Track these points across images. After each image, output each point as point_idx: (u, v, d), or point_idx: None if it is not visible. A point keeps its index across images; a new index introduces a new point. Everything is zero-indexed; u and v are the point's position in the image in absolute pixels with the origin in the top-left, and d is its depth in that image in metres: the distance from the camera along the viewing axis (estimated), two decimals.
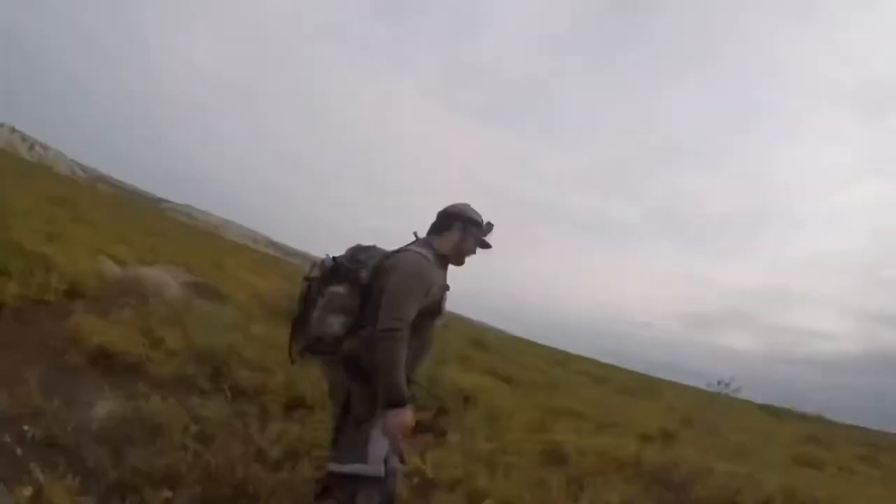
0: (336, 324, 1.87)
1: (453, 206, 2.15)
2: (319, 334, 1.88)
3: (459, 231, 2.11)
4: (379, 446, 1.87)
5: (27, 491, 1.99)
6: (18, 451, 2.28)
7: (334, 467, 1.92)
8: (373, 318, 1.83)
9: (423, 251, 2.00)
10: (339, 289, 1.91)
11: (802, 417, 14.45)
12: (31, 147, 59.23)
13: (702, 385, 13.89)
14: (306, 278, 2.02)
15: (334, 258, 1.98)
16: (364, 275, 1.91)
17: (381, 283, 1.88)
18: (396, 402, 1.77)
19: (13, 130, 57.71)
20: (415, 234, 2.13)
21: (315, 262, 2.05)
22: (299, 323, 1.99)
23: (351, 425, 1.93)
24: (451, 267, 2.12)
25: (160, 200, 59.80)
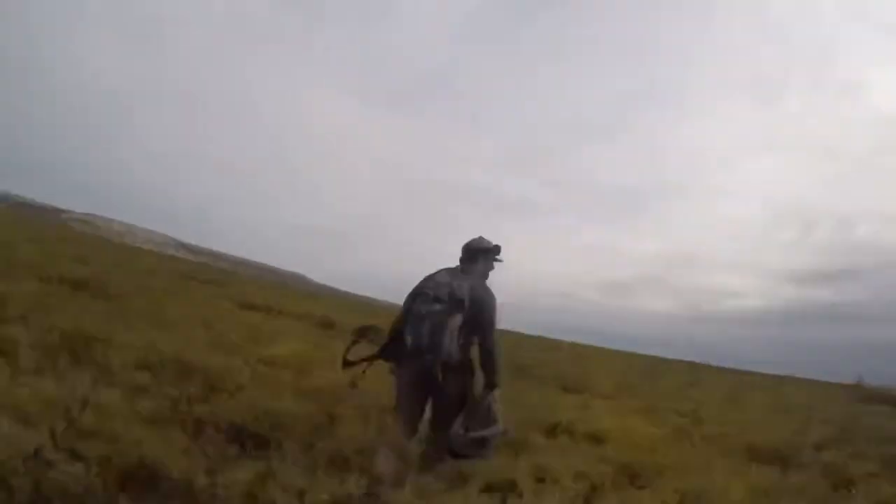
0: (456, 344, 2.73)
1: (476, 242, 3.08)
2: (450, 354, 2.70)
3: (483, 261, 3.06)
4: (499, 410, 2.82)
5: None
6: None
7: (483, 432, 2.76)
8: (469, 334, 2.79)
9: (482, 282, 2.98)
10: (458, 319, 2.74)
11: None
12: None
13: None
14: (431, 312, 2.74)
15: (449, 294, 2.76)
16: (467, 306, 2.77)
17: (477, 310, 2.79)
18: (498, 385, 2.85)
19: None
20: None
21: (437, 297, 2.76)
22: (429, 344, 2.69)
23: (459, 405, 2.79)
24: None
25: (61, 211, 60.81)
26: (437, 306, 2.76)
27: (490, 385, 2.85)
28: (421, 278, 2.95)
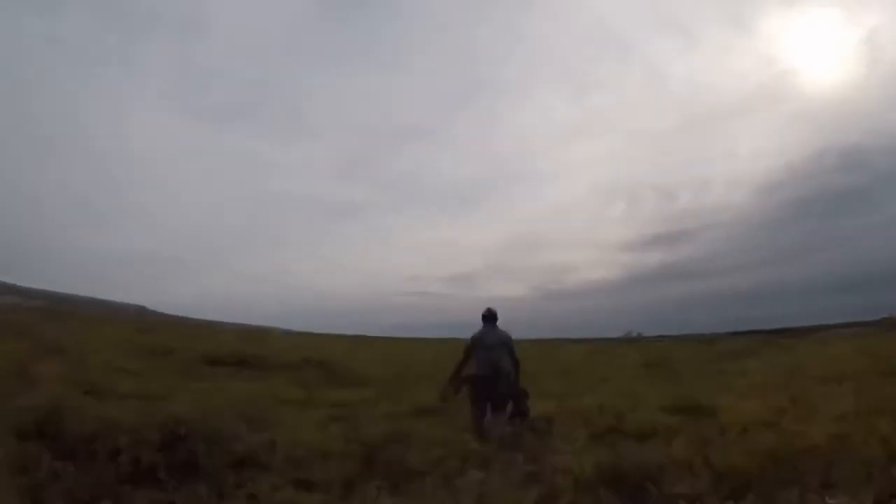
0: (509, 363, 5.41)
1: (494, 309, 5.73)
2: (508, 370, 5.37)
3: (496, 318, 5.76)
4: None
5: None
6: None
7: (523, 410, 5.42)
8: (512, 359, 5.43)
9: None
10: (505, 350, 5.42)
11: None
12: None
13: None
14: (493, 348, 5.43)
15: (498, 339, 5.49)
16: (506, 343, 5.47)
17: (510, 344, 5.48)
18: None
19: None
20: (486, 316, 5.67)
21: (496, 343, 5.47)
22: (496, 368, 5.35)
23: (507, 399, 5.36)
24: None
25: None
26: (496, 348, 5.40)
27: (517, 379, 5.55)
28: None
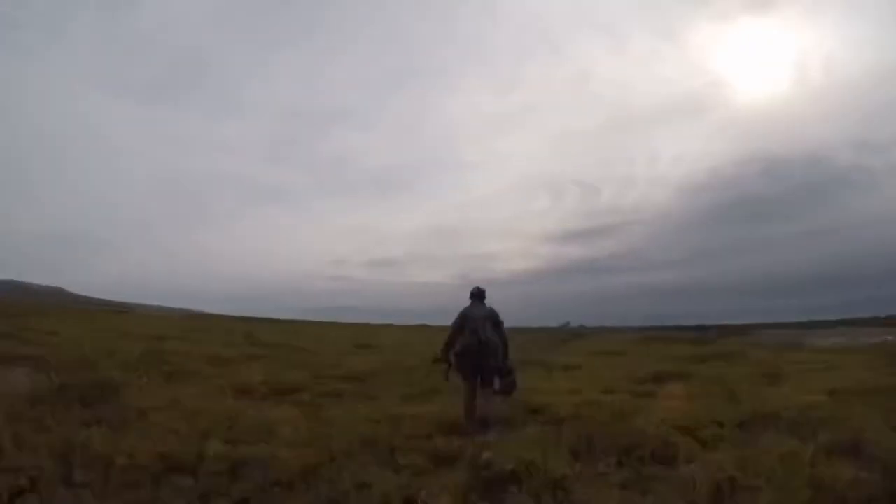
0: (494, 336, 5.51)
1: (482, 287, 5.85)
2: (495, 343, 5.49)
3: (484, 296, 5.84)
4: (514, 364, 5.68)
5: None
6: None
7: (514, 377, 5.60)
8: (500, 333, 5.57)
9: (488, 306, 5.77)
10: (492, 324, 5.52)
11: None
12: None
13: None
14: (479, 321, 5.53)
15: (485, 314, 5.57)
16: (493, 318, 5.59)
17: (497, 318, 5.61)
18: (508, 355, 5.69)
19: None
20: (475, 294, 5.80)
21: (479, 317, 5.53)
22: (482, 339, 5.43)
23: (493, 374, 5.49)
24: None
25: None
26: (481, 321, 5.50)
27: (506, 354, 5.66)
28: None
